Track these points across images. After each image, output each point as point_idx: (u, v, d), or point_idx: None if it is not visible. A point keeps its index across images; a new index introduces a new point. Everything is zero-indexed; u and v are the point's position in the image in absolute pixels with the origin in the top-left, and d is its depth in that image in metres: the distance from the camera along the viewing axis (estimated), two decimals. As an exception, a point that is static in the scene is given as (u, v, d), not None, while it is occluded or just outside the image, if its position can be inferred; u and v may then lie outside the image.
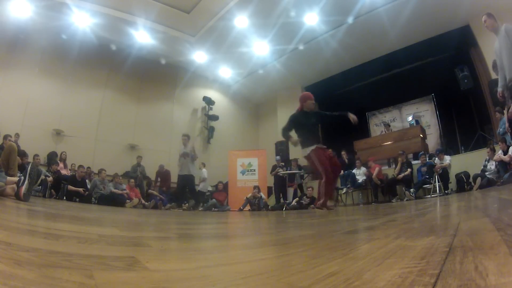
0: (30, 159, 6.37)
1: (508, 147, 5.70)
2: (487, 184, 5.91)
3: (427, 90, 10.13)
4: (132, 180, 7.91)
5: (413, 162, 7.86)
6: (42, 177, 6.03)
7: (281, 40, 8.95)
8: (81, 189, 6.85)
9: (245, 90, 12.34)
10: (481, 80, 7.73)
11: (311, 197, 7.88)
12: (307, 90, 11.66)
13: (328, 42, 8.88)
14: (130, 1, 7.69)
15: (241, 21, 8.23)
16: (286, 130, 4.29)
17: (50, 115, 8.05)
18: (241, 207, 7.90)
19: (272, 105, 12.44)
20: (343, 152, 8.84)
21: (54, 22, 7.83)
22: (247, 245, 1.33)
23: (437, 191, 6.49)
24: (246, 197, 8.04)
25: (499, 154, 5.92)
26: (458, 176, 6.78)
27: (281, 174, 8.47)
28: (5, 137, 6.22)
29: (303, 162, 9.69)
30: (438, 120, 9.95)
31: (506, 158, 5.70)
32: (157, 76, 10.37)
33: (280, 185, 8.53)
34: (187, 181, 7.26)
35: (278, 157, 9.27)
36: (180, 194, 7.49)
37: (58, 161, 7.47)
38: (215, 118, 11.25)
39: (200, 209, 8.12)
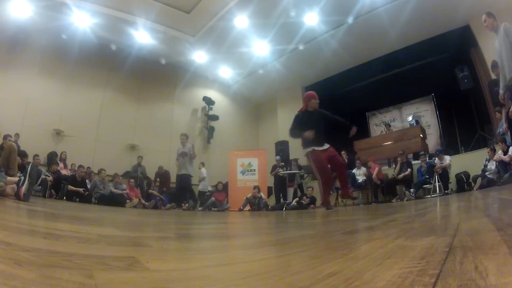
0: (30, 159, 6.38)
1: (508, 147, 5.70)
2: (487, 184, 5.91)
3: (427, 90, 10.14)
4: (132, 180, 7.91)
5: (413, 162, 7.86)
6: (42, 176, 6.03)
7: (281, 40, 8.95)
8: (81, 189, 6.85)
9: (245, 90, 12.34)
10: (481, 80, 7.73)
11: (311, 197, 7.89)
12: (307, 90, 11.63)
13: (328, 42, 8.88)
14: (130, 1, 7.69)
15: (241, 21, 8.23)
16: (293, 130, 4.29)
17: (50, 115, 8.05)
18: (241, 207, 7.90)
19: (272, 105, 12.45)
20: (343, 152, 8.82)
21: (54, 22, 7.83)
22: (247, 245, 1.33)
23: (437, 191, 6.49)
24: (246, 197, 8.04)
25: (499, 154, 5.92)
26: (458, 176, 6.79)
27: (281, 174, 8.47)
28: (5, 137, 6.22)
29: (303, 162, 9.71)
30: (438, 120, 9.95)
31: (506, 158, 5.70)
32: (157, 76, 10.37)
33: (280, 185, 8.53)
34: (185, 181, 7.26)
35: (278, 157, 9.27)
36: (179, 194, 7.49)
37: (58, 161, 7.47)
38: (215, 118, 11.25)
39: (199, 209, 8.13)
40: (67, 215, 2.53)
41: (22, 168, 4.38)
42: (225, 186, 9.24)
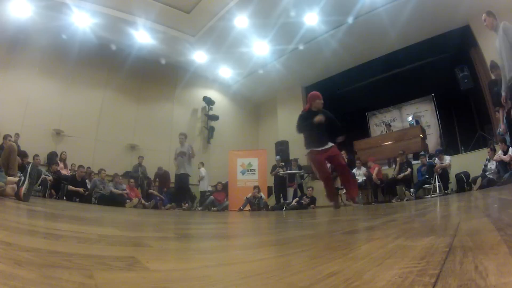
0: (30, 159, 6.38)
1: (508, 147, 5.70)
2: (487, 184, 5.92)
3: (427, 90, 10.14)
4: (132, 180, 7.92)
5: (413, 162, 7.86)
6: (43, 176, 6.03)
7: (281, 40, 8.95)
8: (81, 189, 6.85)
9: (245, 90, 12.34)
10: (481, 80, 7.73)
11: (311, 197, 7.89)
12: (307, 90, 11.66)
13: (328, 42, 8.88)
14: (130, 1, 7.69)
15: (241, 21, 8.23)
16: (298, 127, 4.33)
17: (50, 115, 8.05)
18: (241, 207, 7.90)
19: (272, 105, 12.45)
20: (343, 152, 8.82)
21: (54, 22, 7.83)
22: (247, 245, 1.33)
23: (437, 191, 6.49)
24: (246, 197, 8.04)
25: (499, 154, 5.92)
26: (458, 176, 6.79)
27: (281, 174, 8.47)
28: (5, 137, 6.22)
29: (303, 162, 9.71)
30: (438, 120, 9.95)
31: (506, 158, 5.71)
32: (157, 76, 10.38)
33: (280, 185, 8.53)
34: (182, 180, 7.27)
35: (278, 157, 9.27)
36: (178, 193, 7.50)
37: (58, 161, 7.47)
38: (215, 118, 11.25)
39: (199, 209, 8.13)
40: (67, 215, 2.53)
41: (22, 168, 4.38)
42: (225, 186, 9.24)
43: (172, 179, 8.42)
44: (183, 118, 10.88)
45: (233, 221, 3.56)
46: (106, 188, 7.15)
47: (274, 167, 8.93)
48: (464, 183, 6.60)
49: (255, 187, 8.25)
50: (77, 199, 6.76)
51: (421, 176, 7.15)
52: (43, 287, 0.45)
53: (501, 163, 5.83)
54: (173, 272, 0.65)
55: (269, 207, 8.11)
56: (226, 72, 11.18)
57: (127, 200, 7.11)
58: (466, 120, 8.81)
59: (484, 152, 6.58)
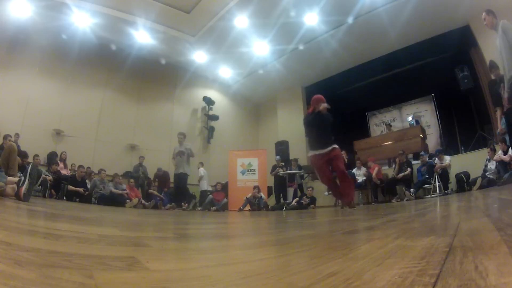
0: (30, 159, 6.38)
1: (508, 147, 5.70)
2: (487, 184, 5.92)
3: (427, 90, 10.14)
4: (132, 180, 7.92)
5: (413, 162, 7.86)
6: (43, 176, 6.03)
7: (281, 40, 8.95)
8: (81, 189, 6.85)
9: (245, 90, 12.34)
10: (481, 80, 7.73)
11: (311, 197, 7.89)
12: (307, 90, 11.68)
13: (328, 42, 8.88)
14: (130, 1, 7.69)
15: (241, 21, 8.23)
16: (305, 131, 4.46)
17: (50, 115, 8.05)
18: (241, 207, 7.90)
19: (272, 105, 12.46)
20: (343, 152, 8.83)
21: (54, 22, 7.83)
22: (247, 245, 1.33)
23: (437, 191, 6.49)
24: (246, 197, 8.04)
25: (499, 154, 5.91)
26: (458, 176, 6.78)
27: (281, 174, 8.47)
28: (5, 137, 6.22)
29: (303, 162, 9.71)
30: (438, 120, 9.95)
31: (506, 158, 5.70)
32: (157, 76, 10.37)
33: (280, 185, 8.53)
34: (180, 180, 7.26)
35: (278, 157, 9.27)
36: (177, 193, 7.50)
37: (58, 161, 7.47)
38: (215, 118, 11.25)
39: (199, 209, 8.13)
40: (67, 215, 2.53)
41: (22, 168, 4.38)
42: (225, 186, 9.24)
43: (172, 179, 8.42)
44: (183, 118, 10.88)
45: (233, 221, 3.56)
46: (106, 188, 7.14)
47: (274, 167, 8.93)
48: (464, 183, 6.60)
49: (255, 187, 8.25)
50: (77, 199, 6.75)
51: (421, 176, 7.15)
52: (43, 287, 0.45)
53: (501, 163, 5.83)
54: (173, 272, 0.65)
55: (269, 207, 8.11)
56: (226, 72, 11.18)
57: (127, 200, 7.11)
58: (466, 120, 8.80)
59: (484, 152, 6.57)
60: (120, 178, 7.67)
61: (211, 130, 11.22)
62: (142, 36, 8.86)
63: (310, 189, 8.14)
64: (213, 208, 7.95)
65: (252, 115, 13.34)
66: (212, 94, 11.43)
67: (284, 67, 10.33)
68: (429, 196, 6.64)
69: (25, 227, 1.34)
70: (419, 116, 10.28)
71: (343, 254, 0.82)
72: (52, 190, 6.65)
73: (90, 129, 8.78)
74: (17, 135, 6.88)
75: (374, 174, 7.44)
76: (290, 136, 10.52)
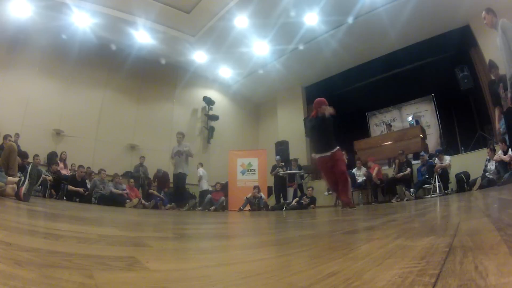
0: (30, 159, 6.38)
1: (508, 147, 5.70)
2: (487, 184, 5.91)
3: (427, 90, 10.14)
4: (132, 180, 7.92)
5: (413, 162, 7.86)
6: (43, 176, 6.02)
7: (281, 40, 8.95)
8: (81, 189, 6.85)
9: (245, 90, 12.34)
10: (481, 80, 7.73)
11: (311, 197, 7.89)
12: (307, 90, 11.69)
13: (328, 42, 8.88)
14: (130, 1, 7.69)
15: (241, 21, 8.23)
16: (307, 133, 4.49)
17: (50, 115, 8.05)
18: (241, 207, 7.90)
19: (272, 105, 12.46)
20: (343, 152, 8.83)
21: (54, 22, 7.83)
22: (247, 245, 1.33)
23: (437, 191, 6.49)
24: (246, 197, 8.04)
25: (499, 154, 5.91)
26: (458, 176, 6.78)
27: (281, 174, 8.47)
28: (5, 137, 6.22)
29: (303, 162, 9.71)
30: (438, 120, 9.95)
31: (506, 158, 5.70)
32: (157, 76, 10.37)
33: (280, 185, 8.53)
34: (179, 180, 7.25)
35: (278, 157, 9.27)
36: (177, 193, 7.48)
37: (58, 161, 7.47)
38: (215, 118, 11.25)
39: (198, 209, 8.13)
40: (67, 215, 2.53)
41: (22, 168, 4.38)
42: (224, 186, 9.24)
43: (171, 179, 8.41)
44: (183, 118, 10.88)
45: (233, 221, 3.56)
46: (106, 188, 7.14)
47: (274, 167, 8.93)
48: (464, 183, 6.60)
49: (255, 187, 8.25)
50: (77, 199, 6.75)
51: (421, 176, 7.15)
52: (43, 287, 0.45)
53: (501, 163, 5.82)
54: (173, 272, 0.65)
55: (269, 207, 8.11)
56: (226, 72, 11.18)
57: (127, 200, 7.11)
58: (466, 120, 8.80)
59: (484, 152, 6.57)
60: (120, 178, 7.67)
61: (211, 130, 11.22)
62: (142, 36, 8.86)
63: (310, 189, 8.15)
64: (212, 208, 7.95)
65: (252, 115, 13.34)
66: (212, 94, 11.43)
67: (284, 67, 10.33)
68: (429, 196, 6.64)
69: (25, 227, 1.34)
70: (419, 116, 10.29)
71: (343, 254, 0.82)
72: (52, 190, 6.65)
73: (90, 129, 8.78)
74: (17, 135, 6.88)
75: (374, 174, 7.44)
76: (290, 136, 10.52)
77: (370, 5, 7.58)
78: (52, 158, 7.52)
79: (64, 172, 7.39)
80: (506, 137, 5.66)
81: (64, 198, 6.68)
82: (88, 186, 7.16)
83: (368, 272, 0.58)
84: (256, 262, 0.82)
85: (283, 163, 8.96)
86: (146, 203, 7.56)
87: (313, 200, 7.85)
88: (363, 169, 7.93)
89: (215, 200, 8.21)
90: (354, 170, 8.08)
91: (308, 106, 11.24)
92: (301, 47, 9.21)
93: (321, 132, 4.17)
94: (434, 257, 0.64)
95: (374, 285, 0.48)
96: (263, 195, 8.31)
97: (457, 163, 7.07)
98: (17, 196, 3.06)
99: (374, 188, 7.52)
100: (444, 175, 6.64)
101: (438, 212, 2.61)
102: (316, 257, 0.85)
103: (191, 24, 8.61)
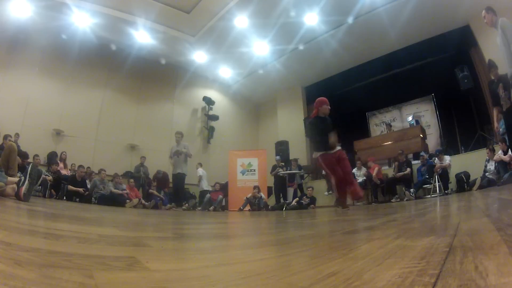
0: (30, 159, 6.38)
1: (508, 147, 5.69)
2: (487, 184, 5.91)
3: (427, 90, 10.14)
4: (132, 180, 7.91)
5: (413, 162, 7.86)
6: (43, 176, 6.02)
7: (281, 40, 8.95)
8: (81, 189, 6.85)
9: (245, 90, 12.34)
10: (481, 80, 7.73)
11: (311, 197, 7.89)
12: (307, 90, 11.69)
13: (328, 42, 8.88)
14: (130, 1, 7.69)
15: (241, 21, 8.23)
16: (308, 133, 4.49)
17: (50, 115, 8.05)
18: (241, 207, 7.90)
19: (272, 105, 12.46)
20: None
21: (54, 22, 7.83)
22: (247, 245, 1.33)
23: (437, 191, 6.49)
24: (246, 197, 8.04)
25: (499, 154, 5.91)
26: (458, 176, 6.78)
27: (281, 174, 8.47)
28: (5, 137, 6.22)
29: (303, 162, 9.71)
30: (438, 120, 9.95)
31: (506, 158, 5.70)
32: (157, 76, 10.37)
33: (280, 185, 8.53)
34: (178, 180, 7.25)
35: (278, 157, 9.27)
36: (176, 193, 7.48)
37: (58, 161, 7.47)
38: (215, 118, 11.25)
39: (198, 209, 8.13)
40: (67, 215, 2.53)
41: (22, 168, 4.38)
42: (224, 186, 9.24)
43: (171, 179, 8.41)
44: (183, 118, 10.88)
45: (233, 221, 3.56)
46: (106, 188, 7.14)
47: (274, 167, 8.93)
48: (464, 183, 6.60)
49: (255, 187, 8.25)
50: (77, 199, 6.75)
51: (421, 176, 7.14)
52: (43, 287, 0.45)
53: (501, 163, 5.82)
54: (173, 272, 0.65)
55: (269, 207, 8.11)
56: (226, 72, 11.18)
57: (127, 200, 7.10)
58: (466, 120, 8.80)
59: (484, 152, 6.57)
60: (120, 178, 7.67)
61: (211, 130, 11.22)
62: (142, 36, 8.86)
63: (310, 189, 8.14)
64: (211, 208, 7.94)
65: (252, 115, 13.34)
66: (212, 94, 11.43)
67: (284, 67, 10.33)
68: (429, 196, 6.64)
69: (25, 227, 1.34)
70: (419, 116, 10.28)
71: (343, 254, 0.82)
72: (52, 190, 6.65)
73: (90, 129, 8.77)
74: (17, 135, 6.87)
75: (374, 174, 7.44)
76: (290, 136, 10.52)
77: (370, 5, 7.58)
78: (52, 158, 7.52)
79: (64, 172, 7.39)
80: (506, 137, 5.67)
81: (64, 198, 6.68)
82: (88, 186, 7.16)
83: (368, 272, 0.58)
84: (256, 262, 0.82)
85: (283, 163, 8.97)
86: (146, 203, 7.56)
87: (313, 200, 7.85)
88: (363, 169, 7.93)
89: (214, 200, 8.21)
90: (354, 170, 8.06)
91: (308, 106, 11.25)
92: (301, 47, 9.21)
93: (321, 131, 4.18)
94: (434, 257, 0.64)
95: (374, 285, 0.48)
96: (263, 195, 8.30)
97: (457, 163, 7.07)
98: (17, 196, 3.06)
99: (374, 188, 7.52)
100: (444, 175, 6.63)
101: (438, 212, 2.61)
102: (316, 257, 0.85)
103: (191, 24, 8.61)
